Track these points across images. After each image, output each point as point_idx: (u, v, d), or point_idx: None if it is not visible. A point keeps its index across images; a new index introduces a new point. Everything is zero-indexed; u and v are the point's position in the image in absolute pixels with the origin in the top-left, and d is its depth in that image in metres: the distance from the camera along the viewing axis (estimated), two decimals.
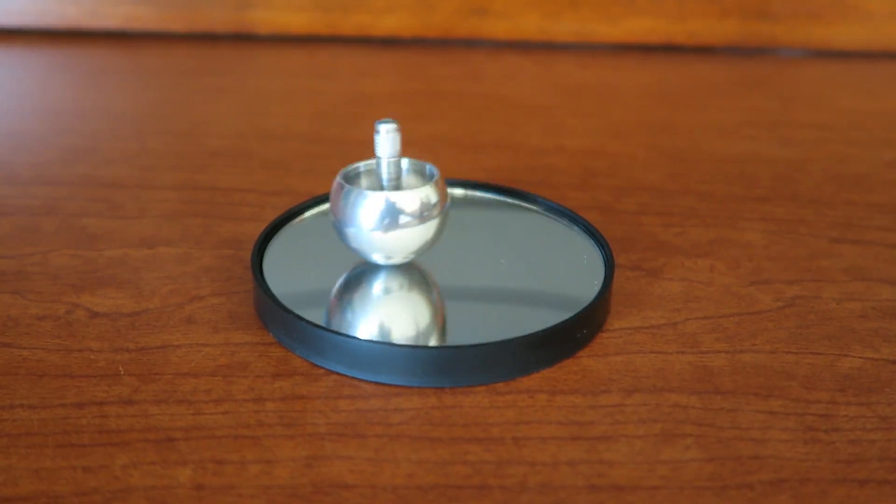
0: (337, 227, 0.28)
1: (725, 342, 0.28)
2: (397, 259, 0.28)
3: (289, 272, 0.29)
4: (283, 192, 0.36)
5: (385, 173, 0.28)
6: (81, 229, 0.33)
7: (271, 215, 0.34)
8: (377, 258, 0.28)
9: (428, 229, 0.28)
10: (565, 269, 0.30)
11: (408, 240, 0.28)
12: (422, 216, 0.27)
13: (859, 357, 0.27)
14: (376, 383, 0.26)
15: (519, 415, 0.25)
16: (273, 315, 0.27)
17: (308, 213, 0.32)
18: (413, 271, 0.29)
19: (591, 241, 0.31)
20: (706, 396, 0.26)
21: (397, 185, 0.28)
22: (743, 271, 0.31)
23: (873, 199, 0.36)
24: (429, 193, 0.27)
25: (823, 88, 0.49)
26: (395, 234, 0.27)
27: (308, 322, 0.26)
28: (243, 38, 0.52)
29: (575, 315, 0.27)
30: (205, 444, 0.24)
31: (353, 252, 0.28)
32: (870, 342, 0.28)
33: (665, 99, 0.47)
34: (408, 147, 0.33)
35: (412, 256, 0.29)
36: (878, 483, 0.23)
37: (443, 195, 0.28)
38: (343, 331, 0.26)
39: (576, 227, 0.32)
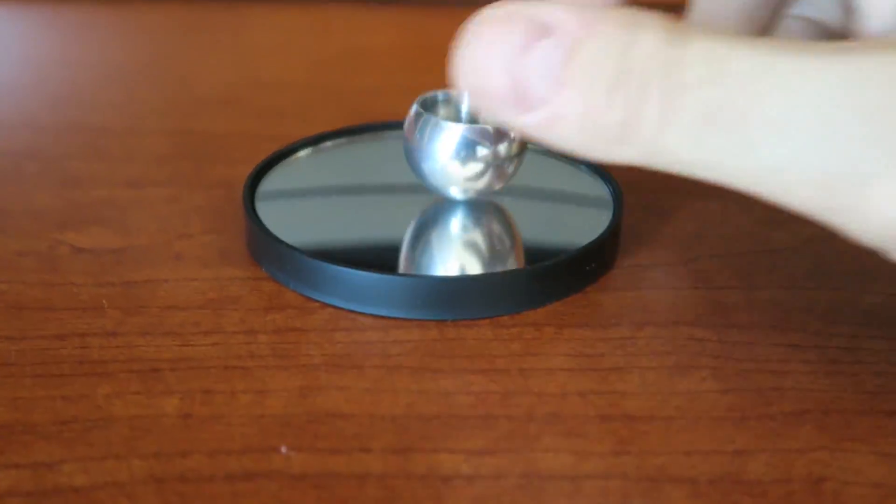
0: (410, 157, 0.27)
1: (740, 279, 0.27)
2: (471, 195, 0.27)
3: (281, 207, 0.28)
4: (278, 136, 0.35)
5: (465, 105, 0.27)
6: (66, 171, 0.32)
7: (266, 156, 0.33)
8: (454, 192, 0.27)
9: (507, 165, 0.26)
10: (573, 207, 0.29)
11: (484, 174, 0.26)
12: (499, 153, 0.26)
13: (882, 293, 0.26)
14: (374, 316, 0.25)
15: (525, 347, 0.24)
16: (265, 248, 0.26)
17: (302, 153, 0.31)
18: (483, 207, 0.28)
19: (599, 180, 0.30)
20: (722, 330, 0.24)
21: (475, 118, 0.27)
22: (757, 211, 0.30)
23: None
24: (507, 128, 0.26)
25: None
26: (472, 167, 0.26)
27: (303, 252, 0.25)
28: None
29: (583, 247, 0.26)
30: (193, 375, 0.22)
31: (426, 185, 0.27)
32: (892, 278, 0.27)
33: None
34: (411, 97, 0.32)
35: (486, 192, 0.27)
36: None
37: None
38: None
39: (583, 167, 0.30)
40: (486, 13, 0.19)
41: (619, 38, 0.18)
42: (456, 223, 0.28)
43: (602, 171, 0.30)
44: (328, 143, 0.32)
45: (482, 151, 0.26)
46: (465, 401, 0.22)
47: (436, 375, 0.23)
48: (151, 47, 0.46)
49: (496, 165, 0.26)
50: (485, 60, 0.19)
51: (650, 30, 0.18)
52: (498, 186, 0.27)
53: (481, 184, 0.27)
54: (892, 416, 0.22)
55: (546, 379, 0.23)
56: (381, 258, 0.27)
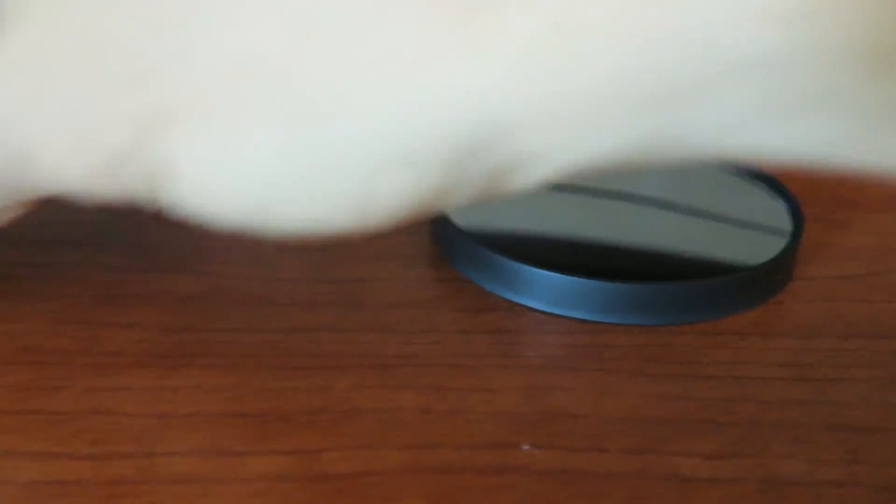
0: None
1: None
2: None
3: (474, 209, 0.29)
4: None
5: None
6: None
7: None
8: None
9: None
10: (752, 219, 0.30)
11: None
12: None
13: None
14: (578, 320, 0.26)
15: (734, 355, 0.24)
16: (465, 252, 0.27)
17: None
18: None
19: (774, 193, 0.30)
20: None
21: None
22: None
23: None
24: None
25: None
26: None
27: (504, 256, 0.26)
28: None
29: (777, 255, 0.26)
30: (421, 371, 0.24)
31: None
32: None
33: None
34: None
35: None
36: None
37: None
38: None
39: (757, 181, 0.31)
40: None
41: None
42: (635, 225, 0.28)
43: (778, 185, 0.30)
44: None
45: None
46: (687, 406, 0.23)
47: (653, 380, 0.24)
48: None
49: None
50: None
51: None
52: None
53: None
54: None
55: (762, 387, 0.23)
56: (577, 257, 0.27)
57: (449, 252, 0.28)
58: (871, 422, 0.22)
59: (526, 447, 0.21)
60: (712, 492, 0.20)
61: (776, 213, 0.29)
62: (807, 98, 0.16)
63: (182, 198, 0.19)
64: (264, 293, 0.27)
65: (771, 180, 0.31)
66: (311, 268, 0.28)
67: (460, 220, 0.28)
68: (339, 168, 0.18)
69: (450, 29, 0.16)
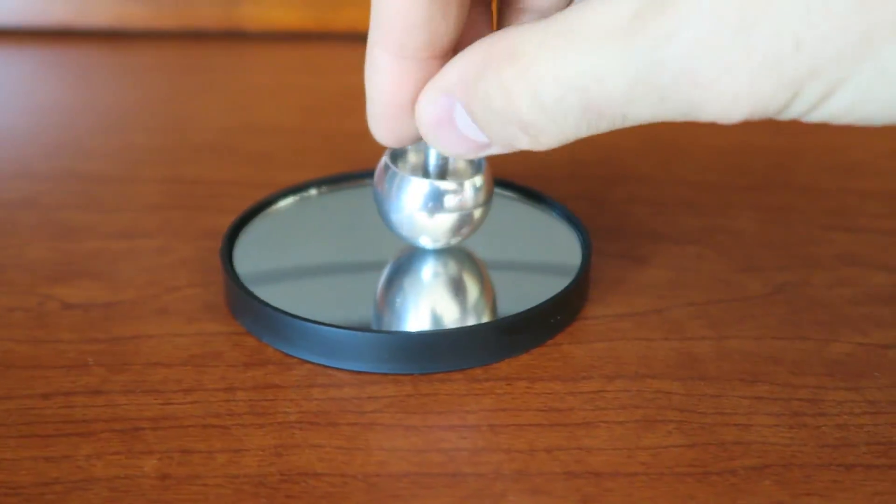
0: (380, 207, 0.27)
1: (711, 328, 0.27)
2: (441, 244, 0.28)
3: (261, 259, 0.29)
4: (269, 184, 0.36)
5: (433, 158, 0.28)
6: (60, 222, 0.33)
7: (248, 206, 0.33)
8: (424, 242, 0.28)
9: (474, 215, 0.27)
10: (544, 256, 0.30)
11: (452, 225, 0.27)
12: (466, 204, 0.27)
13: (849, 342, 0.26)
14: (351, 371, 0.25)
15: (497, 402, 0.24)
16: (242, 304, 0.27)
17: (283, 202, 0.32)
18: (457, 255, 0.29)
19: (570, 227, 0.30)
20: (690, 383, 0.25)
21: (443, 171, 0.28)
22: (733, 258, 0.31)
23: (867, 186, 0.36)
24: (476, 182, 0.27)
25: None
26: (439, 218, 0.27)
27: (276, 310, 0.26)
28: (233, 35, 0.51)
29: (553, 298, 0.26)
30: (172, 434, 0.23)
31: (396, 235, 0.28)
32: (860, 327, 0.27)
33: None
34: None
35: (455, 242, 0.28)
36: (864, 467, 0.22)
37: (489, 184, 0.27)
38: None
39: (554, 213, 0.31)
40: (422, 98, 0.23)
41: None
42: (427, 272, 0.28)
43: (573, 218, 0.30)
44: (312, 192, 0.32)
45: (449, 203, 0.27)
46: (435, 458, 0.23)
47: (408, 432, 0.23)
48: (149, 89, 0.46)
49: (463, 215, 0.27)
50: (438, 134, 0.23)
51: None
52: (466, 234, 0.28)
53: (450, 233, 0.27)
54: (852, 468, 0.22)
55: (515, 435, 0.23)
56: (359, 311, 0.27)
57: (232, 305, 0.28)
58: (613, 467, 0.22)
59: None
60: None
61: (571, 250, 0.29)
62: None
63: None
64: (32, 355, 0.26)
65: (567, 214, 0.31)
66: (88, 326, 0.27)
67: (245, 271, 0.28)
68: None
69: None
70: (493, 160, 0.40)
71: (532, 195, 0.32)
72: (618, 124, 0.21)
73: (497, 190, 0.33)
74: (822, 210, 0.34)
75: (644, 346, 0.26)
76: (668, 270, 0.30)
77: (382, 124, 0.25)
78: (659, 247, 0.31)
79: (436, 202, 0.26)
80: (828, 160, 0.38)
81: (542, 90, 0.20)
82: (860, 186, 0.36)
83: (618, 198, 0.35)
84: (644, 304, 0.28)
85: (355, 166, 0.34)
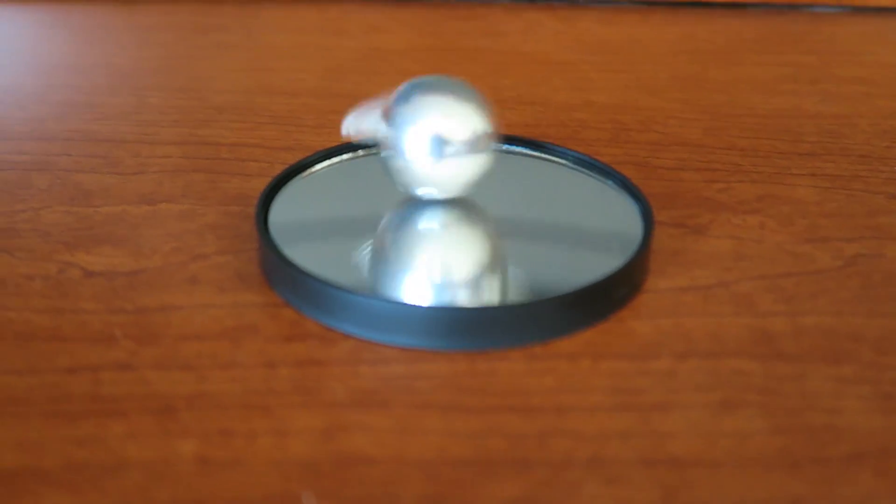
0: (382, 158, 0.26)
1: (785, 304, 0.25)
2: (446, 193, 0.26)
3: (297, 226, 0.27)
4: (294, 147, 0.34)
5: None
6: (76, 185, 0.31)
7: (281, 171, 0.31)
8: (425, 191, 0.26)
9: (479, 161, 0.25)
10: (601, 225, 0.28)
11: (458, 172, 0.25)
12: (473, 147, 0.25)
13: None
14: (399, 347, 0.23)
15: (560, 382, 0.22)
16: (281, 274, 0.25)
17: (318, 166, 0.30)
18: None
19: (628, 196, 0.28)
20: (768, 362, 0.23)
21: None
22: (797, 228, 0.29)
23: None
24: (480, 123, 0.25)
25: (863, 44, 0.46)
26: (445, 165, 0.25)
27: (320, 280, 0.24)
28: None
29: (612, 272, 0.24)
30: (210, 414, 0.21)
31: (399, 186, 0.26)
32: None
33: (697, 55, 0.44)
34: None
35: (461, 191, 0.26)
36: None
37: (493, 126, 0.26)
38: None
39: (610, 182, 0.29)
40: None
41: None
42: (476, 239, 0.26)
43: (631, 185, 0.28)
44: (346, 156, 0.30)
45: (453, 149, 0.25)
46: (499, 444, 0.21)
47: (466, 414, 0.21)
48: (163, 49, 0.44)
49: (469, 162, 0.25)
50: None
51: None
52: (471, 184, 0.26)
53: (455, 182, 0.26)
54: None
55: (584, 419, 0.21)
56: (404, 282, 0.25)
57: (268, 274, 0.26)
58: (694, 454, 0.20)
59: (306, 498, 0.19)
60: None
61: (627, 220, 0.27)
62: None
63: None
64: (53, 326, 0.24)
65: (625, 182, 0.29)
66: (113, 295, 0.25)
67: (281, 239, 0.26)
68: None
69: None
70: (523, 125, 0.39)
71: (583, 162, 0.30)
72: None
73: (547, 156, 0.31)
74: (885, 179, 0.32)
75: (714, 321, 0.25)
76: (729, 241, 0.28)
77: None
78: (717, 216, 0.29)
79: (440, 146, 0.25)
80: (882, 126, 0.36)
81: None
82: None
83: (666, 164, 0.33)
84: (708, 276, 0.26)
85: None
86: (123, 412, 0.21)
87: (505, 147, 0.31)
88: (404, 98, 0.26)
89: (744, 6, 0.50)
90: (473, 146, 0.25)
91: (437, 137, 0.25)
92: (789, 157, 0.34)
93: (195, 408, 0.21)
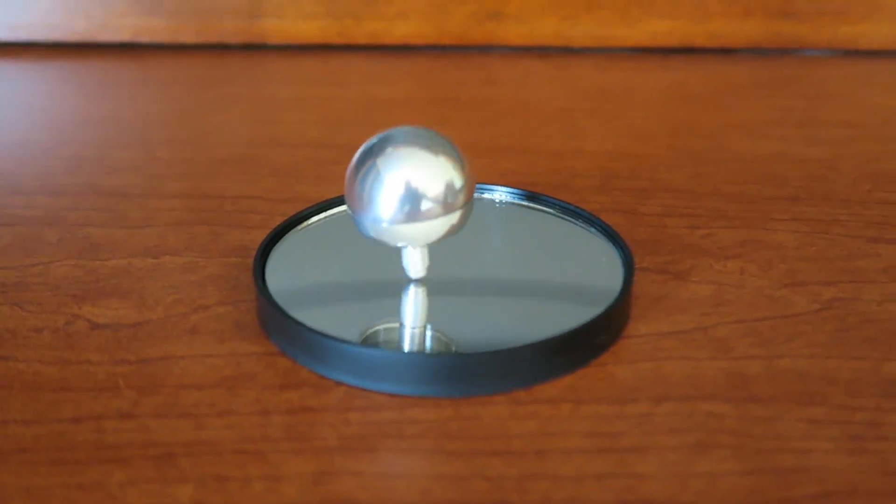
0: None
1: (760, 347, 0.26)
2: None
3: (294, 277, 0.28)
4: (294, 199, 0.35)
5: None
6: (85, 239, 0.32)
7: (279, 223, 0.33)
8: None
9: (452, 219, 0.26)
10: (583, 273, 0.29)
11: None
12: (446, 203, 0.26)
13: None
14: (388, 393, 0.24)
15: (541, 426, 0.23)
16: (276, 324, 0.26)
17: (315, 218, 0.31)
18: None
19: (610, 243, 0.29)
20: (742, 405, 0.24)
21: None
22: (776, 273, 0.30)
23: None
24: (454, 178, 0.26)
25: (851, 87, 0.47)
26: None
27: (312, 331, 0.25)
28: (254, 48, 0.50)
29: (593, 318, 0.25)
30: (207, 460, 0.22)
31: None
32: None
33: (686, 101, 0.45)
34: None
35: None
36: None
37: (469, 182, 0.26)
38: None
39: (593, 230, 0.30)
40: None
41: None
42: (460, 290, 0.27)
43: (613, 233, 0.30)
44: (343, 207, 0.32)
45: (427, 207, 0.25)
46: (480, 486, 0.22)
47: (451, 458, 0.22)
48: (169, 103, 0.46)
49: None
50: None
51: None
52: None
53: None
54: None
55: (563, 461, 0.22)
56: (396, 331, 0.27)
57: (265, 325, 0.27)
58: (667, 496, 0.21)
59: None
60: None
61: (610, 268, 0.28)
62: None
63: None
64: (61, 377, 0.25)
65: (608, 230, 0.30)
66: (117, 346, 0.27)
67: (277, 290, 0.27)
68: None
69: None
70: (516, 173, 0.40)
71: (568, 210, 0.31)
72: None
73: (533, 205, 0.32)
74: (865, 222, 0.33)
75: (691, 365, 0.26)
76: (709, 286, 0.29)
77: None
78: (699, 261, 0.30)
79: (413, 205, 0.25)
80: (866, 169, 0.37)
81: None
82: None
83: (653, 211, 0.34)
84: (688, 321, 0.27)
85: None
86: (125, 459, 0.22)
87: (494, 197, 0.32)
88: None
89: (735, 51, 0.51)
90: (447, 205, 0.26)
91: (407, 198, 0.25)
92: (773, 202, 0.35)
93: (193, 454, 0.23)
